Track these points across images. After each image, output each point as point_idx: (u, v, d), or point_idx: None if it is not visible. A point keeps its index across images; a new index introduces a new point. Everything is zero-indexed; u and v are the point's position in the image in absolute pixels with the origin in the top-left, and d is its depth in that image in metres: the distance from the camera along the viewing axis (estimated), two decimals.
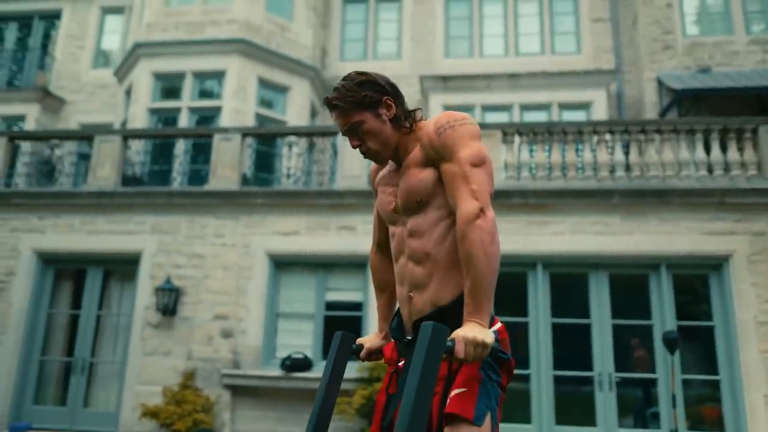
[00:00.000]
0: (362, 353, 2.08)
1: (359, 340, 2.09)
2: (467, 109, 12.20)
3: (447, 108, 12.23)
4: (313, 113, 12.49)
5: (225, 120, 10.97)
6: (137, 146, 9.20)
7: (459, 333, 1.56)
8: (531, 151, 8.17)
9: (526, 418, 7.42)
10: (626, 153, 7.98)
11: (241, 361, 7.77)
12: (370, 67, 13.11)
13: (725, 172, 7.74)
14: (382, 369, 6.87)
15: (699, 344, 7.67)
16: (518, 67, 12.45)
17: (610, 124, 8.27)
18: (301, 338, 8.04)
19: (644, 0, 12.06)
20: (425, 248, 1.80)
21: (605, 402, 7.32)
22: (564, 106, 12.07)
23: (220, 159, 8.56)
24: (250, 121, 11.07)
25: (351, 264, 8.15)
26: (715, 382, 7.33)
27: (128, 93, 12.00)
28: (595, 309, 7.57)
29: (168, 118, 11.56)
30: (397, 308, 2.02)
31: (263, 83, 11.58)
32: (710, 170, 7.77)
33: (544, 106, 12.14)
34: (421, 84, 12.60)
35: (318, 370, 7.58)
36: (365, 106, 1.81)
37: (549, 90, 12.07)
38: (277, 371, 7.52)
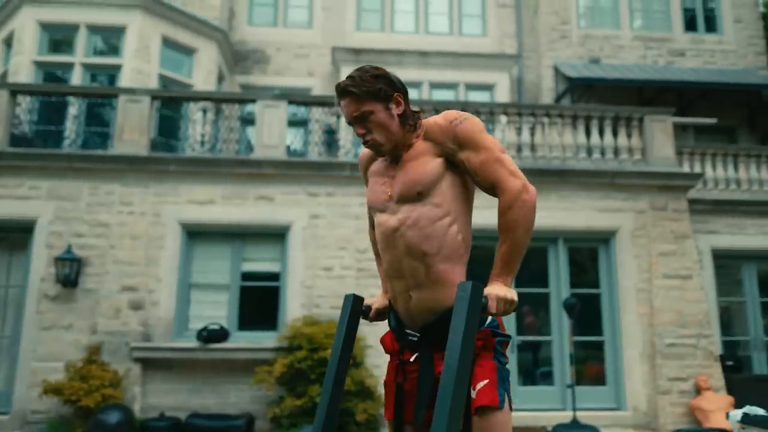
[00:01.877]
0: (371, 314, 2.19)
1: (367, 302, 2.19)
2: None
3: None
4: (220, 78, 12.02)
5: (125, 80, 10.26)
6: (28, 103, 8.38)
7: (491, 291, 1.73)
8: None
9: None
10: (532, 134, 8.58)
11: (152, 334, 7.50)
12: (280, 34, 12.89)
13: (615, 155, 8.60)
14: (303, 338, 6.99)
15: (586, 310, 8.55)
16: (428, 45, 12.78)
17: (518, 107, 8.81)
18: (216, 309, 7.89)
19: None
20: (426, 243, 1.86)
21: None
22: (470, 87, 12.61)
23: (126, 122, 8.05)
24: (153, 83, 10.45)
25: (268, 234, 8.09)
26: (599, 342, 8.23)
27: (8, 43, 10.81)
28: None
29: (56, 74, 10.59)
30: (387, 303, 2.11)
31: (168, 43, 10.93)
32: (603, 154, 8.59)
33: (452, 85, 12.60)
34: (332, 55, 12.54)
35: (235, 341, 7.53)
36: (378, 97, 1.87)
37: (456, 70, 12.54)
38: (192, 343, 7.36)
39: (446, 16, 13.34)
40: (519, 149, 8.48)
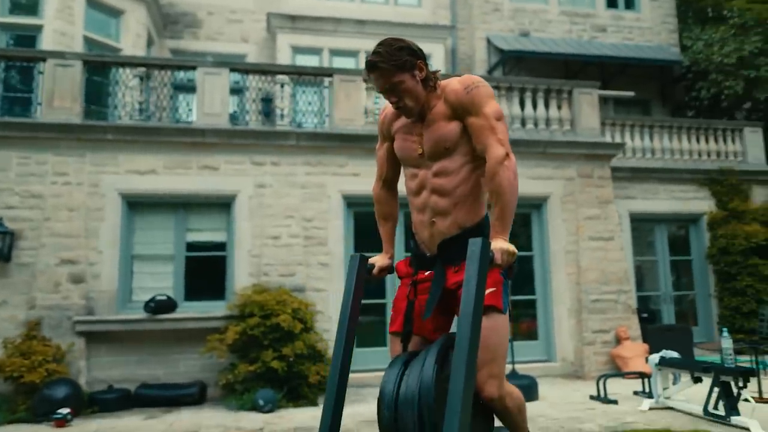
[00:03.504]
0: (375, 270, 2.42)
1: (371, 260, 2.41)
2: (315, 51, 12.33)
3: (295, 49, 12.22)
4: (149, 42, 11.53)
5: (47, 42, 9.67)
6: None
7: (495, 246, 2.01)
8: None
9: (382, 342, 8.26)
10: None
11: (95, 307, 7.33)
12: None
13: (547, 126, 9.13)
14: (254, 305, 7.07)
15: (520, 271, 9.15)
16: (364, 14, 12.80)
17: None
18: (161, 281, 7.81)
19: None
20: (452, 185, 2.22)
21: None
22: None
23: (57, 88, 7.65)
24: (77, 46, 9.90)
25: (213, 204, 8.04)
26: (532, 301, 8.87)
27: None
28: None
29: None
30: (389, 262, 2.52)
31: (92, 3, 10.35)
32: (536, 124, 9.10)
33: None
34: (268, 21, 12.32)
35: (182, 311, 7.51)
36: (405, 68, 2.14)
37: None
38: (139, 314, 7.27)
39: None
40: None
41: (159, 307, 7.26)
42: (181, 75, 8.41)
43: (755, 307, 9.66)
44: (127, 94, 8.13)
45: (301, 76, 8.66)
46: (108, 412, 6.61)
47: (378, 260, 2.47)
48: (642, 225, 10.47)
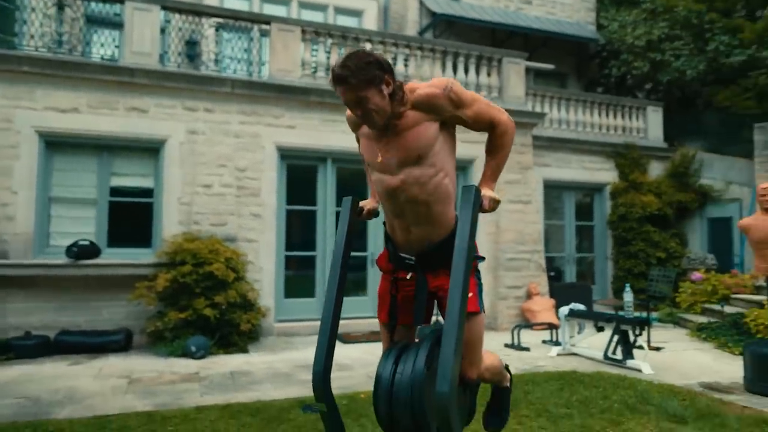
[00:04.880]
0: (364, 213, 2.58)
1: (360, 204, 2.57)
2: None
3: None
4: None
5: None
6: None
7: (485, 193, 2.24)
8: (328, 52, 8.66)
9: (311, 293, 8.46)
10: (406, 65, 9.10)
11: (9, 251, 6.93)
12: None
13: (476, 92, 9.48)
14: (186, 253, 6.99)
15: None
16: None
17: (396, 37, 9.20)
18: (82, 225, 7.48)
19: None
20: (425, 194, 2.27)
21: (374, 275, 8.75)
22: (339, 10, 12.64)
23: None
24: None
25: (141, 148, 7.73)
26: None
27: None
28: None
29: None
30: (376, 206, 2.64)
31: None
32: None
33: (321, 7, 12.52)
34: None
35: (106, 257, 7.28)
36: (373, 83, 2.14)
37: None
38: (60, 259, 6.96)
39: None
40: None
41: (82, 252, 6.99)
42: (107, 8, 7.86)
43: (645, 269, 10.80)
44: (45, 23, 7.52)
45: (236, 21, 8.39)
46: (27, 359, 6.37)
47: (367, 203, 2.64)
48: (553, 191, 11.27)
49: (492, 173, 2.38)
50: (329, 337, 2.28)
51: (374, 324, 8.20)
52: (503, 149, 2.37)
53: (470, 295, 2.28)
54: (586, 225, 11.69)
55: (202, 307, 6.79)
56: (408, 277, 2.42)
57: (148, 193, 7.81)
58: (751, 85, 12.42)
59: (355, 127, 2.48)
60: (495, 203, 2.27)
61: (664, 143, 12.26)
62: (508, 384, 2.90)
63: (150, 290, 6.92)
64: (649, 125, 12.21)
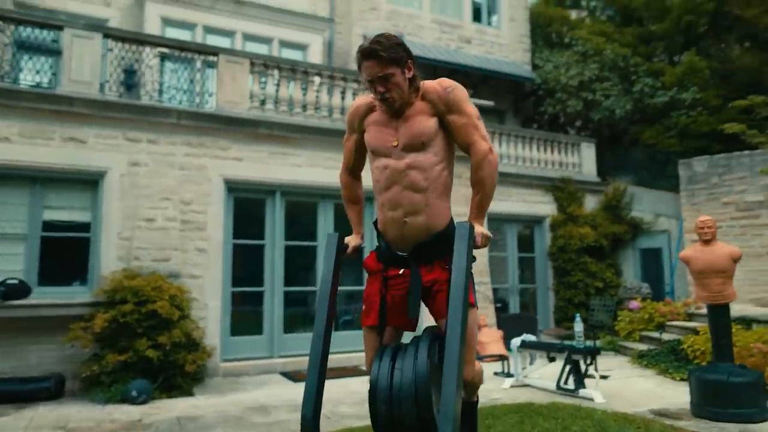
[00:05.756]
0: (349, 250, 2.50)
1: (345, 240, 2.49)
2: (188, 26, 11.70)
3: (165, 21, 11.50)
4: None
5: None
6: None
7: (477, 230, 2.23)
8: (276, 85, 8.60)
9: (259, 330, 8.17)
10: (343, 98, 9.15)
11: None
12: None
13: None
14: (127, 291, 6.62)
15: None
16: None
17: (345, 72, 9.26)
18: (10, 263, 6.94)
19: None
20: (425, 181, 2.32)
21: None
22: (284, 44, 12.64)
23: None
24: None
25: (78, 180, 7.32)
26: None
27: None
28: (322, 233, 8.70)
29: None
30: (360, 242, 2.60)
31: None
32: None
33: (266, 40, 12.49)
34: None
35: (37, 297, 6.76)
36: (398, 63, 2.27)
37: (271, 25, 12.45)
38: None
39: None
40: (342, 112, 8.99)
41: (10, 292, 6.47)
42: (43, 34, 7.48)
43: (584, 299, 11.17)
44: None
45: (182, 51, 8.20)
46: None
47: (351, 240, 2.57)
48: (496, 224, 11.53)
49: (478, 209, 2.38)
50: (318, 378, 2.18)
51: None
52: (483, 184, 2.37)
53: None
54: (528, 256, 12.00)
55: (145, 348, 6.40)
56: (400, 272, 2.39)
57: (84, 227, 7.38)
58: (673, 124, 13.34)
59: (358, 124, 2.51)
60: (487, 239, 2.28)
61: (597, 177, 12.87)
62: (477, 397, 2.81)
63: (86, 331, 6.47)
64: (583, 160, 12.81)
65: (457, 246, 2.13)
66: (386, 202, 2.38)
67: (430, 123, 2.35)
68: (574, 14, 18.63)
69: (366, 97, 2.52)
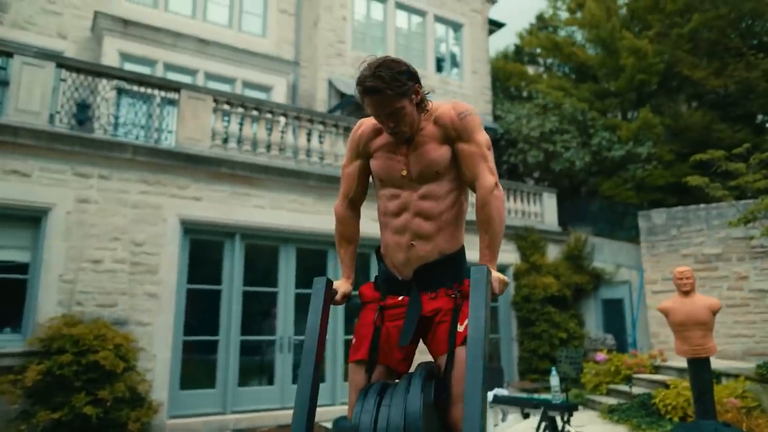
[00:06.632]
0: (338, 297, 2.18)
1: (334, 285, 2.17)
2: (149, 63, 11.35)
3: (124, 56, 11.14)
4: None
5: None
6: None
7: (492, 275, 1.93)
8: (240, 123, 8.30)
9: (211, 383, 7.55)
10: (321, 142, 8.93)
11: None
12: None
13: None
14: (65, 339, 6.01)
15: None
16: (205, 33, 12.20)
17: (311, 113, 9.06)
18: None
19: (326, 6, 13.42)
20: (438, 209, 2.13)
21: (284, 362, 8.07)
22: (248, 85, 12.43)
23: None
24: None
25: (17, 217, 6.72)
26: None
27: None
28: (283, 278, 8.26)
29: None
30: (351, 288, 2.29)
31: None
32: None
33: (230, 80, 12.25)
34: (94, 20, 11.05)
35: None
36: (406, 94, 2.04)
37: (235, 66, 12.26)
38: None
39: (227, 8, 12.93)
40: (308, 154, 8.74)
41: None
42: None
43: (549, 350, 10.97)
44: None
45: (141, 85, 7.83)
46: None
47: (340, 285, 2.24)
48: None
49: (489, 251, 2.10)
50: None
51: (283, 417, 7.44)
52: (491, 223, 2.12)
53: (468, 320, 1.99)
54: (492, 306, 11.77)
55: (82, 404, 5.76)
56: (400, 299, 2.13)
57: (22, 268, 6.74)
58: (630, 177, 13.67)
59: (363, 148, 2.28)
60: (504, 285, 2.01)
61: (558, 227, 12.95)
62: None
63: (15, 385, 5.79)
64: (545, 210, 12.88)
65: (473, 296, 1.84)
66: (394, 227, 2.17)
67: (442, 151, 2.15)
68: (531, 70, 19.26)
69: (370, 119, 2.26)
